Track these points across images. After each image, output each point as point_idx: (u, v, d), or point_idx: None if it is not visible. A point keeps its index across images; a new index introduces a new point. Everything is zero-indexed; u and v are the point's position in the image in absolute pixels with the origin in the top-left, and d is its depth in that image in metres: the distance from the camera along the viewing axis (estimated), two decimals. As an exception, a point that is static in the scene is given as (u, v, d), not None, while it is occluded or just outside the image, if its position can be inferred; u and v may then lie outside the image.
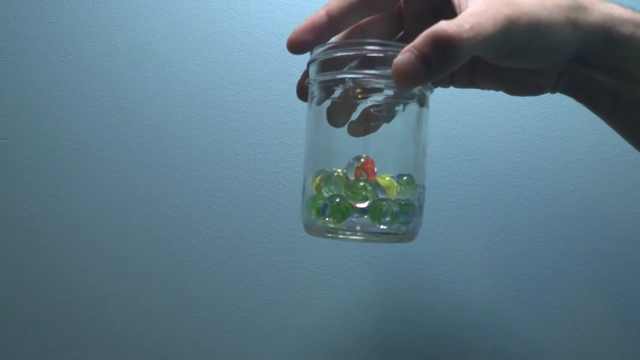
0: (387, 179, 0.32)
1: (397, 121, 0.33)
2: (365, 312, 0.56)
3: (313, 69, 0.32)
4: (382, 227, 0.30)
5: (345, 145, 0.33)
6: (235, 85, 0.58)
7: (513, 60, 0.28)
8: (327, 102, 0.33)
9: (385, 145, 0.33)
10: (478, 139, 0.58)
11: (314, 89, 0.33)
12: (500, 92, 0.33)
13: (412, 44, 0.24)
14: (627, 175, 0.57)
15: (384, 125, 0.33)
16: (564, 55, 0.27)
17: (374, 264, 0.56)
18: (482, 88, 0.34)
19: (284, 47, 0.60)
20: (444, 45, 0.23)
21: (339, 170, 0.32)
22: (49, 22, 0.58)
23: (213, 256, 0.56)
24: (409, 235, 0.31)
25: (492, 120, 0.58)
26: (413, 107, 0.33)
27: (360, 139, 0.33)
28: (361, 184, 0.30)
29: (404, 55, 0.24)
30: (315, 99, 0.33)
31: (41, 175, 0.56)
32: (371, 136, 0.33)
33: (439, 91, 0.58)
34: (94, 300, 0.56)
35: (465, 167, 0.57)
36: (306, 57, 0.33)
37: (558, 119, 0.58)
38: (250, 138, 0.57)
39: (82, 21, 0.58)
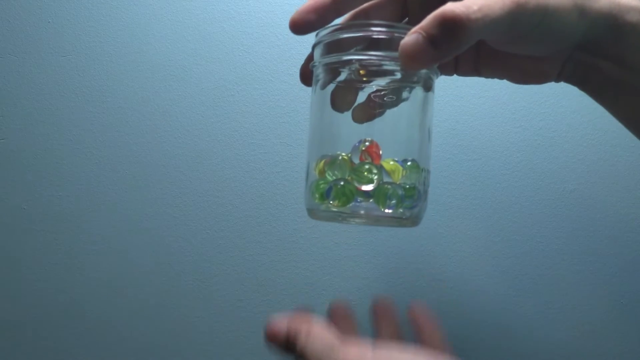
0: (392, 163, 0.32)
1: (402, 105, 0.32)
2: (366, 312, 0.56)
3: (318, 52, 0.31)
4: (387, 210, 0.30)
5: (349, 129, 0.33)
6: (235, 85, 0.58)
7: (519, 46, 0.28)
8: (331, 87, 0.32)
9: (390, 130, 0.33)
10: (478, 139, 0.58)
11: (319, 72, 0.32)
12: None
13: (419, 25, 0.24)
14: (627, 175, 0.57)
15: (389, 110, 0.33)
16: (569, 41, 0.27)
17: (374, 264, 0.56)
18: (486, 76, 0.34)
19: (284, 47, 0.60)
20: (452, 26, 0.23)
21: (344, 154, 0.32)
22: (49, 22, 0.58)
23: (213, 256, 0.56)
24: (414, 220, 0.31)
25: (492, 120, 0.58)
26: (418, 91, 0.32)
27: (365, 123, 0.32)
28: (366, 166, 0.30)
29: (411, 36, 0.24)
30: (320, 82, 0.32)
31: (41, 175, 0.56)
32: (376, 120, 0.33)
33: (439, 92, 0.58)
34: (93, 300, 0.56)
35: (465, 167, 0.57)
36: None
37: (558, 119, 0.58)
38: (250, 138, 0.57)
39: (82, 21, 0.58)
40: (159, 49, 0.58)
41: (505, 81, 0.33)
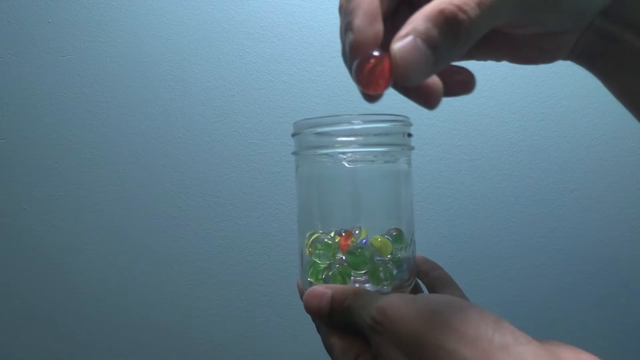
0: (380, 239, 0.33)
1: (384, 182, 0.34)
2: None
3: (298, 141, 0.32)
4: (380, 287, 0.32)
5: (334, 206, 0.34)
6: (235, 85, 0.58)
7: (534, 23, 0.23)
8: (314, 169, 0.33)
9: (375, 206, 0.34)
10: (478, 139, 0.58)
11: (301, 160, 0.34)
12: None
13: (410, 26, 0.20)
14: (627, 175, 0.57)
15: (373, 187, 0.34)
16: (593, 4, 0.22)
17: (374, 264, 0.56)
18: (479, 59, 0.27)
19: (284, 47, 0.60)
20: (454, 26, 0.19)
21: (330, 235, 0.33)
22: (49, 22, 0.58)
23: (213, 256, 0.56)
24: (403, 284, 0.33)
25: (492, 120, 0.58)
26: (399, 165, 0.33)
27: (350, 200, 0.33)
28: (359, 250, 0.31)
29: (407, 40, 0.19)
30: (300, 168, 0.34)
31: (41, 175, 0.56)
32: (362, 196, 0.34)
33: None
34: (93, 300, 0.56)
35: (465, 167, 0.57)
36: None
37: (558, 119, 0.58)
38: (250, 138, 0.57)
39: (82, 21, 0.58)
40: (159, 49, 0.58)
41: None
